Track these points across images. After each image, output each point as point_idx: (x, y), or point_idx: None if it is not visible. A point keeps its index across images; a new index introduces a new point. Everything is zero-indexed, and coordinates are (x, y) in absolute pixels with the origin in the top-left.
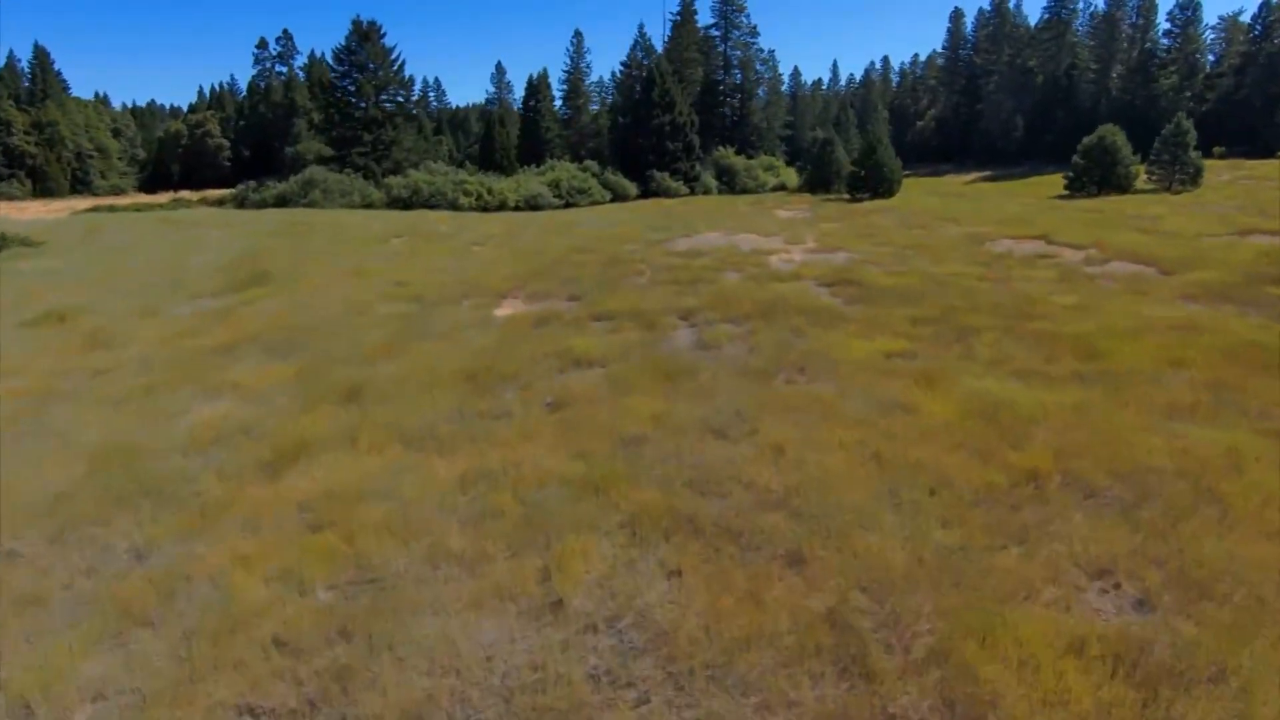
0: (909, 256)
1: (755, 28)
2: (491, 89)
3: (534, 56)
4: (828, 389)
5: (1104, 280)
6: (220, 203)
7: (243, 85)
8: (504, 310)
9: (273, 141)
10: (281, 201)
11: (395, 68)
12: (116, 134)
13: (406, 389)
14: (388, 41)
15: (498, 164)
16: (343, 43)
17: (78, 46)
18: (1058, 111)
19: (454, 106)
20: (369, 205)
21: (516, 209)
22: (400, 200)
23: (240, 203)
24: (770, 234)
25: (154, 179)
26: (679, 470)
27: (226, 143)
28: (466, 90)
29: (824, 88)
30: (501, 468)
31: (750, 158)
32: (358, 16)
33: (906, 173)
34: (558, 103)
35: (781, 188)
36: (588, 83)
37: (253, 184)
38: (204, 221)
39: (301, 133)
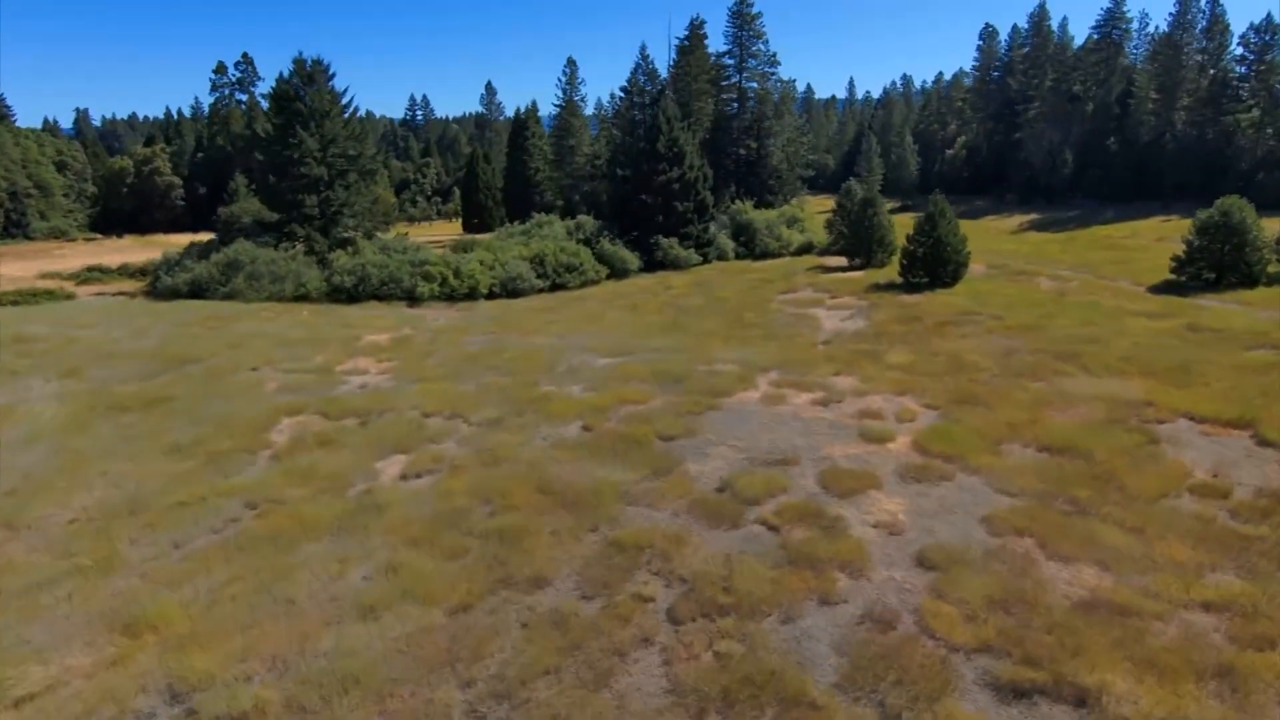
0: (1055, 471)
1: (775, 55)
2: (481, 108)
3: (534, 56)
4: None
5: None
6: (144, 272)
7: (207, 110)
8: None
9: (232, 178)
10: (197, 291)
11: (346, 114)
12: (62, 167)
13: None
14: (341, 82)
15: (479, 205)
16: (281, 85)
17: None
18: (1110, 143)
19: (446, 118)
20: (303, 296)
21: (491, 295)
22: (344, 291)
23: (154, 284)
24: (822, 382)
25: (105, 219)
26: None
27: (178, 181)
28: (462, 99)
29: (838, 105)
30: None
31: (769, 205)
32: (299, 54)
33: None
34: (551, 117)
35: (808, 248)
36: (587, 111)
37: (177, 252)
38: (43, 352)
39: (240, 189)
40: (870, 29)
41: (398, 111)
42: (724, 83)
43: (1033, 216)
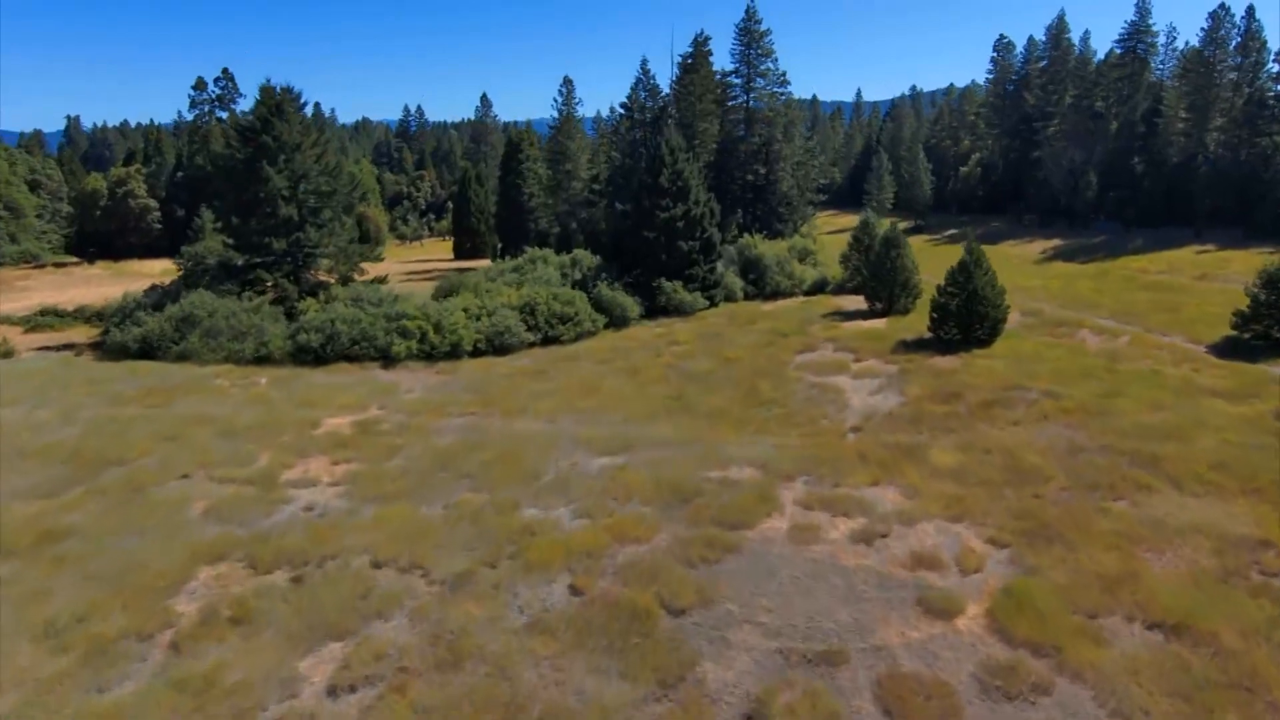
0: (1180, 672)
1: (785, 75)
2: (477, 116)
3: (534, 59)
4: None
5: None
6: (101, 316)
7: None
8: None
9: (213, 200)
10: (147, 350)
11: (318, 150)
12: (35, 187)
13: None
14: (337, 88)
15: (471, 229)
16: (247, 116)
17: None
18: (1136, 164)
19: (445, 124)
20: (264, 358)
21: (476, 352)
22: (310, 351)
23: (104, 337)
24: (859, 498)
25: (81, 240)
26: None
27: (154, 204)
28: (461, 102)
29: (845, 112)
30: None
31: (778, 233)
32: (267, 81)
33: (951, 233)
34: (549, 124)
35: (822, 285)
36: (586, 115)
37: (135, 297)
38: None
39: (206, 224)
40: (876, 31)
41: (395, 113)
42: (730, 103)
43: (1056, 243)
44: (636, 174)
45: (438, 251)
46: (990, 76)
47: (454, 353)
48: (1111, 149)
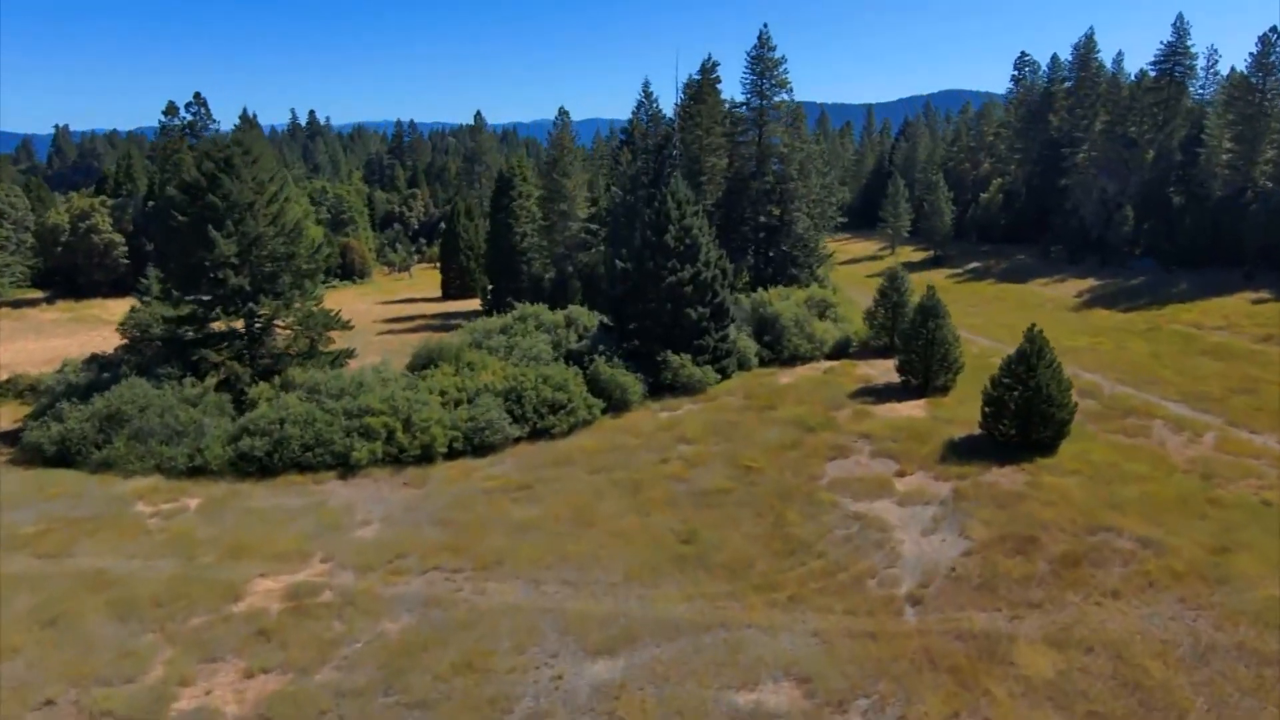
0: None
1: (800, 108)
2: (475, 131)
3: (532, 63)
4: None
5: None
6: (35, 389)
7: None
8: None
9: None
10: (65, 455)
11: (275, 208)
12: None
13: None
14: (328, 98)
15: (461, 268)
16: (192, 173)
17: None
18: (1174, 196)
19: (442, 130)
20: (199, 468)
21: (452, 453)
22: (253, 460)
23: (20, 435)
24: None
25: (48, 273)
26: None
27: (120, 239)
28: (459, 105)
29: (855, 125)
30: None
31: (793, 279)
32: (216, 132)
33: (974, 266)
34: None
35: (845, 345)
36: (587, 133)
37: (67, 377)
38: None
39: (153, 284)
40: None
41: (392, 114)
42: (740, 138)
43: (1091, 283)
44: (639, 213)
45: (426, 284)
46: (1011, 95)
47: (426, 455)
48: (1148, 181)
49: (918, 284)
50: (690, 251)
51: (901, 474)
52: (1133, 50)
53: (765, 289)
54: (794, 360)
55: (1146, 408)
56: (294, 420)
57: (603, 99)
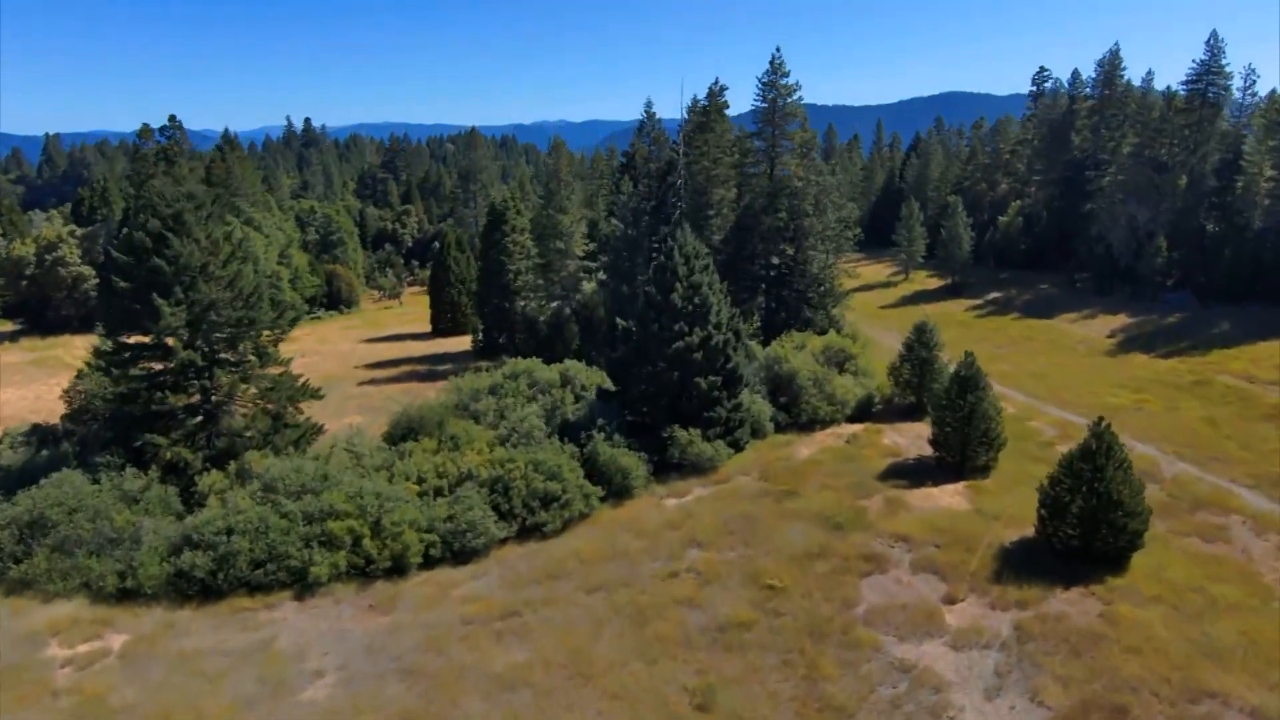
0: None
1: (816, 136)
2: (474, 123)
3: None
4: None
5: None
6: None
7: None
8: None
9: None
10: None
11: (233, 269)
12: None
13: None
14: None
15: (451, 303)
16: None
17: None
18: (1208, 224)
19: (440, 136)
20: (131, 593)
21: (428, 560)
22: (194, 580)
23: None
24: None
25: (20, 306)
26: None
27: (89, 271)
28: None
29: (863, 145)
30: None
31: (808, 323)
32: (159, 193)
33: (994, 297)
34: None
35: (868, 405)
36: (586, 135)
37: (12, 441)
38: None
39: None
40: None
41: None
42: (751, 169)
43: (1124, 320)
44: (641, 247)
45: (416, 313)
46: (1029, 113)
47: (397, 567)
48: (1181, 209)
49: (936, 316)
50: (700, 312)
51: (951, 600)
52: (1160, 68)
53: (778, 335)
54: (813, 424)
55: (1218, 497)
56: (244, 530)
57: (603, 99)
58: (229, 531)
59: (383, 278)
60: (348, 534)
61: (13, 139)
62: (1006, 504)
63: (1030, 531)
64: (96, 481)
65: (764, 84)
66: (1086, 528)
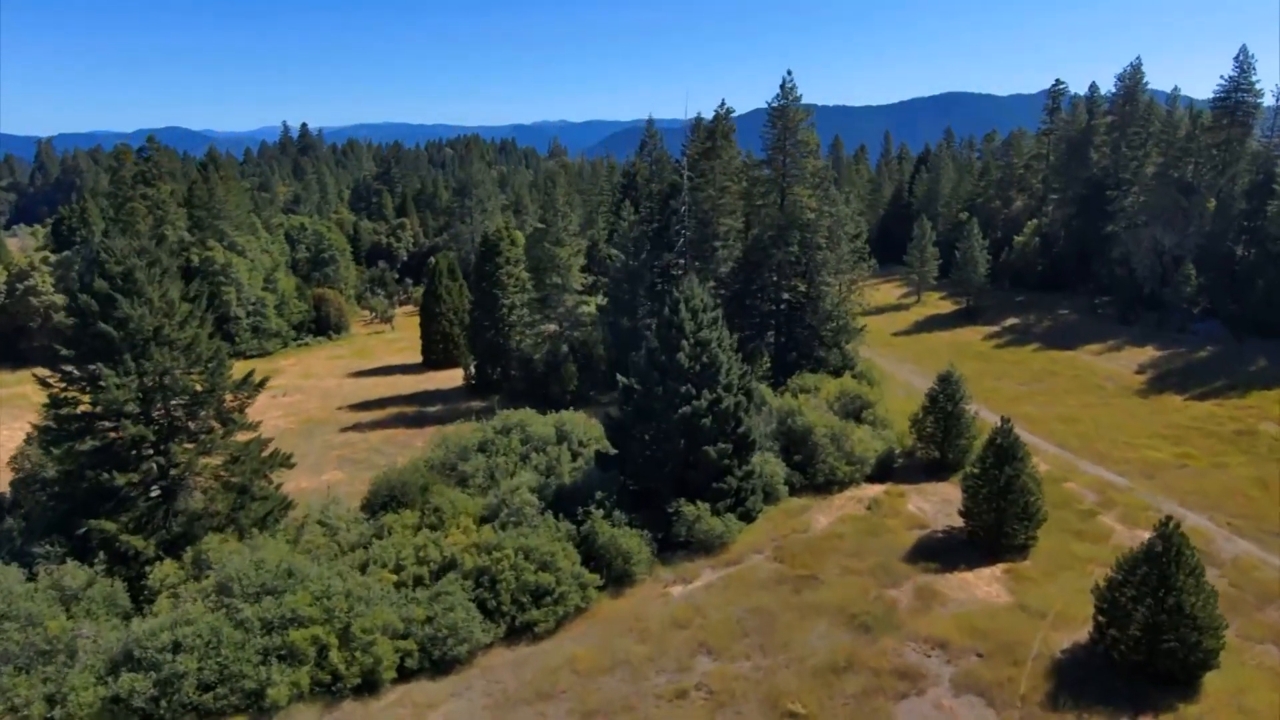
0: None
1: (829, 166)
2: (475, 124)
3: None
4: None
5: None
6: None
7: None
8: None
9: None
10: None
11: (191, 332)
12: None
13: None
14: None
15: (442, 333)
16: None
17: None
18: (1237, 250)
19: (439, 140)
20: None
21: (404, 673)
22: (133, 710)
23: None
24: None
25: None
26: None
27: (63, 300)
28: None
29: (871, 156)
30: None
31: (820, 362)
32: (105, 248)
33: (1012, 323)
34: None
35: (889, 462)
36: (584, 136)
37: None
38: None
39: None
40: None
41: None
42: (760, 202)
43: (1151, 353)
44: (642, 278)
45: (407, 341)
46: (1045, 126)
47: (368, 682)
48: (1209, 233)
49: (952, 346)
50: (708, 372)
51: None
52: (1186, 84)
53: (789, 375)
54: (830, 485)
55: None
56: (192, 646)
57: (603, 99)
58: (175, 648)
59: (374, 299)
60: (312, 645)
61: (12, 139)
62: (1052, 596)
63: (1082, 635)
64: (33, 578)
65: (774, 110)
66: (1152, 641)
